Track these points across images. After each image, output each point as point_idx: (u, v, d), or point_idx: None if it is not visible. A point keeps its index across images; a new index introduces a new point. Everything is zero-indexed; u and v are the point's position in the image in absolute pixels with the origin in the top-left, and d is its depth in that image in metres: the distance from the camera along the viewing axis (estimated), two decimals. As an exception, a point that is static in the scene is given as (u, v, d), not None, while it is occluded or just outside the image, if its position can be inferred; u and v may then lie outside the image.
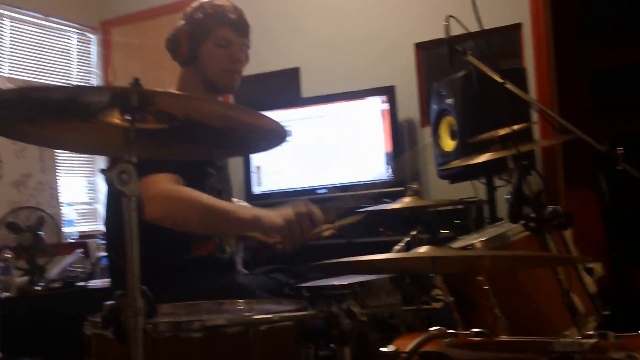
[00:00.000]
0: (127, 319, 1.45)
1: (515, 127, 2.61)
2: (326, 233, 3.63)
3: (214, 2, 2.74)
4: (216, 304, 2.10)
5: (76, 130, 1.67)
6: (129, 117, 1.53)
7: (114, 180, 1.46)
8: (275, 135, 1.83)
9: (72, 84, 5.84)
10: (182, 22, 2.72)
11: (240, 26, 2.76)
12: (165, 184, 2.39)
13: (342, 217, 2.69)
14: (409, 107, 4.95)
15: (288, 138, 1.84)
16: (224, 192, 2.77)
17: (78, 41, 6.07)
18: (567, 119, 2.67)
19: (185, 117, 1.62)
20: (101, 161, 5.89)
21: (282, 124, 1.74)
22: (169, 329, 1.66)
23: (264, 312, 1.94)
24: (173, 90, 2.76)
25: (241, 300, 2.12)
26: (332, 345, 1.74)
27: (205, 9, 2.71)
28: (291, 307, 1.94)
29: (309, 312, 1.80)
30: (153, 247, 2.13)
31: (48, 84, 5.45)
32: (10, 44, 5.41)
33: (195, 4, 2.75)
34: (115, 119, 1.56)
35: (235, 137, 1.79)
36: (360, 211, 2.71)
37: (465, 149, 3.73)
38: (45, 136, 1.74)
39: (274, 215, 2.42)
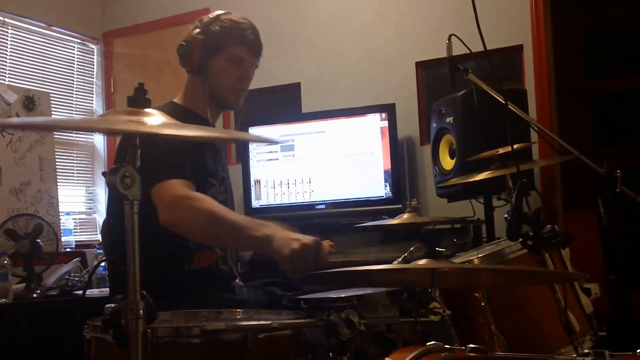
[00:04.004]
0: (128, 322, 1.45)
1: (515, 146, 2.62)
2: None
3: (232, 17, 2.74)
4: (215, 312, 2.10)
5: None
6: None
7: (117, 184, 1.46)
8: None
9: (72, 93, 5.87)
10: (197, 30, 2.71)
11: (255, 46, 2.77)
12: (180, 189, 2.40)
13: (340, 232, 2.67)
14: (409, 125, 4.95)
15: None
16: (226, 204, 2.72)
17: (80, 51, 6.08)
18: (566, 141, 2.68)
19: None
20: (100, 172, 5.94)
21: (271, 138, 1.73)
22: (168, 334, 1.66)
23: (263, 321, 1.94)
24: (177, 100, 2.79)
25: (240, 310, 2.12)
26: (330, 355, 1.75)
27: (222, 22, 2.72)
28: (290, 317, 1.95)
29: (309, 320, 1.80)
30: (155, 258, 2.13)
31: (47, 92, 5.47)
32: (12, 52, 5.42)
33: (212, 15, 2.74)
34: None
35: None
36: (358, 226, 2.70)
37: (465, 167, 3.74)
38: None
39: (284, 242, 2.27)
